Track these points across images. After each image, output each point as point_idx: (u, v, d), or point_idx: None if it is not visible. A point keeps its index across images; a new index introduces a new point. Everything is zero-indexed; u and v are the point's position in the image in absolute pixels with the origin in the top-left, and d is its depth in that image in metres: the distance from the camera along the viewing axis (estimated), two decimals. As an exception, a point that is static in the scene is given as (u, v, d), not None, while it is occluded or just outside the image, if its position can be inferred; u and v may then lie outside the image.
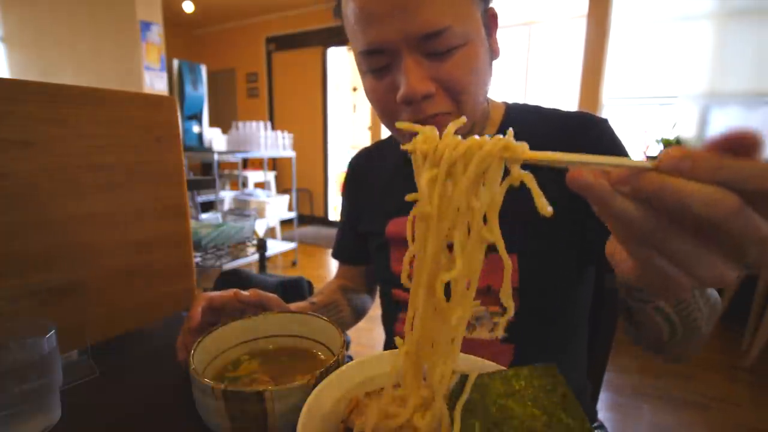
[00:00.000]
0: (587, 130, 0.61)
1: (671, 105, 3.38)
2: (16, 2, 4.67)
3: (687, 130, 3.25)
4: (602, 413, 1.77)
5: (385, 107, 0.57)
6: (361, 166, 0.82)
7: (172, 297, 0.73)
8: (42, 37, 4.55)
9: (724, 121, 3.21)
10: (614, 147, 0.60)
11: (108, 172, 0.62)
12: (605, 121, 0.62)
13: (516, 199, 0.60)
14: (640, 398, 1.84)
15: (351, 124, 6.25)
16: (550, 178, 0.59)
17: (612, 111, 3.57)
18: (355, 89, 6.35)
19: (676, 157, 0.23)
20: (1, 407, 0.40)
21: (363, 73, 0.58)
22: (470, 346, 0.62)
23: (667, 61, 3.35)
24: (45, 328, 0.44)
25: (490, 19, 0.58)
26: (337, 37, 5.25)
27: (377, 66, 0.54)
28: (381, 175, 0.76)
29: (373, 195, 0.76)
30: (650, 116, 3.50)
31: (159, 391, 0.54)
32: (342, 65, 5.77)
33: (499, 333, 0.61)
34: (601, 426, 0.73)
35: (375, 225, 0.72)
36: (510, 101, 0.70)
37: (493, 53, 0.59)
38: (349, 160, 0.85)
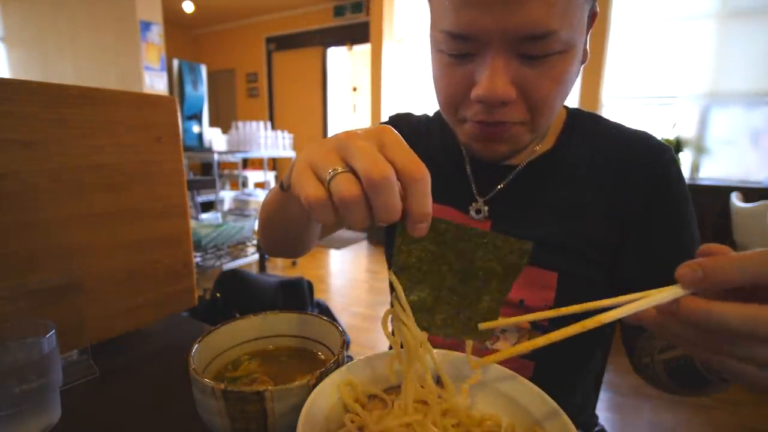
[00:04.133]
0: (653, 158, 0.57)
1: (671, 105, 3.38)
2: (17, 2, 4.67)
3: (687, 130, 3.25)
4: (602, 413, 1.77)
5: (452, 96, 0.51)
6: (402, 130, 0.75)
7: (172, 297, 0.73)
8: (42, 37, 4.55)
9: (724, 121, 3.21)
10: (678, 182, 0.57)
11: (108, 172, 0.62)
12: (670, 150, 0.58)
13: (559, 221, 0.59)
14: (640, 398, 1.84)
15: (351, 124, 6.25)
16: (598, 207, 0.59)
17: (612, 111, 3.57)
18: (355, 89, 6.34)
19: (688, 274, 0.27)
20: (1, 407, 0.40)
21: (438, 52, 0.51)
22: None
23: (667, 61, 3.35)
24: (45, 328, 0.44)
25: (590, 19, 0.51)
26: (337, 37, 5.26)
27: (459, 51, 0.47)
28: (425, 149, 0.69)
29: None
30: (650, 116, 3.50)
31: (159, 391, 0.54)
32: (342, 65, 5.77)
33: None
34: (603, 431, 0.73)
35: None
36: (570, 105, 0.65)
37: (583, 58, 0.52)
38: (389, 116, 0.76)
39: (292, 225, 0.54)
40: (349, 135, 0.33)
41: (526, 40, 0.44)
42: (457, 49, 0.47)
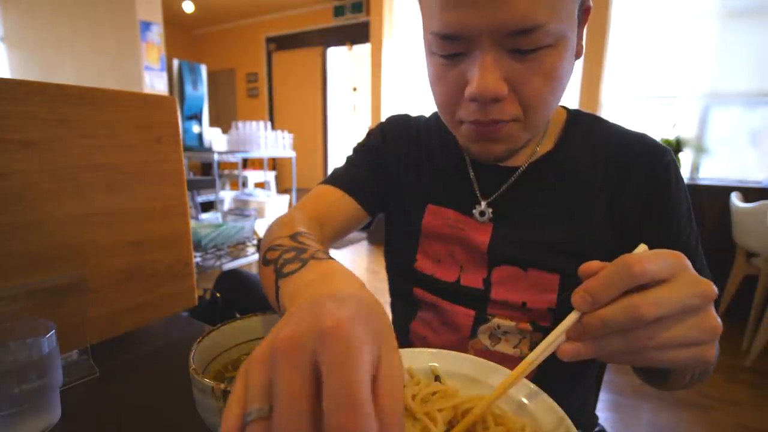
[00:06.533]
0: (654, 161, 0.57)
1: (671, 105, 3.38)
2: (17, 2, 4.67)
3: (687, 130, 3.25)
4: (602, 413, 1.77)
5: (447, 98, 0.52)
6: (399, 131, 0.72)
7: (172, 297, 0.73)
8: (42, 37, 4.55)
9: (724, 121, 3.21)
10: (677, 185, 0.57)
11: (108, 172, 0.62)
12: (670, 152, 0.58)
13: (560, 223, 0.59)
14: (640, 398, 1.84)
15: (351, 124, 6.24)
16: (599, 209, 0.59)
17: (612, 111, 3.57)
18: (355, 89, 6.34)
19: (580, 301, 0.33)
20: (1, 407, 0.40)
21: (431, 54, 0.51)
22: (491, 359, 0.60)
23: (667, 60, 3.34)
24: (45, 328, 0.44)
25: (583, 14, 0.50)
26: (337, 37, 5.26)
27: (449, 52, 0.48)
28: (424, 151, 0.69)
29: (410, 166, 0.69)
30: (650, 116, 3.50)
31: (159, 391, 0.54)
32: (342, 65, 5.77)
33: (524, 350, 0.59)
34: (603, 431, 0.73)
35: (410, 203, 0.67)
36: (569, 106, 0.65)
37: (577, 53, 0.52)
38: (386, 118, 0.74)
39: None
40: (290, 347, 0.22)
41: (514, 35, 0.44)
42: (448, 49, 0.48)
